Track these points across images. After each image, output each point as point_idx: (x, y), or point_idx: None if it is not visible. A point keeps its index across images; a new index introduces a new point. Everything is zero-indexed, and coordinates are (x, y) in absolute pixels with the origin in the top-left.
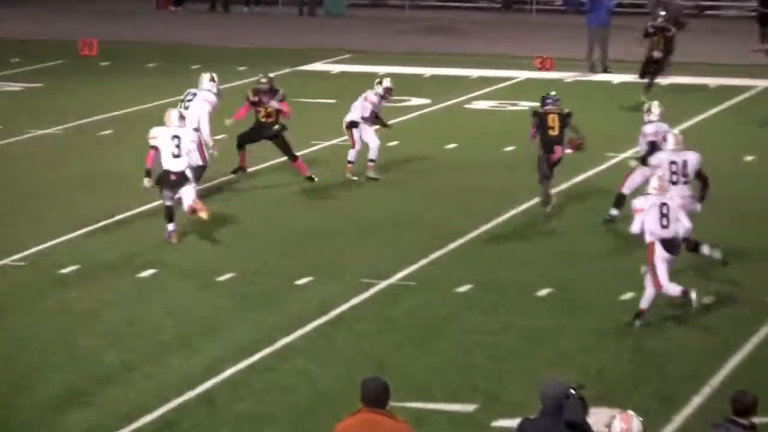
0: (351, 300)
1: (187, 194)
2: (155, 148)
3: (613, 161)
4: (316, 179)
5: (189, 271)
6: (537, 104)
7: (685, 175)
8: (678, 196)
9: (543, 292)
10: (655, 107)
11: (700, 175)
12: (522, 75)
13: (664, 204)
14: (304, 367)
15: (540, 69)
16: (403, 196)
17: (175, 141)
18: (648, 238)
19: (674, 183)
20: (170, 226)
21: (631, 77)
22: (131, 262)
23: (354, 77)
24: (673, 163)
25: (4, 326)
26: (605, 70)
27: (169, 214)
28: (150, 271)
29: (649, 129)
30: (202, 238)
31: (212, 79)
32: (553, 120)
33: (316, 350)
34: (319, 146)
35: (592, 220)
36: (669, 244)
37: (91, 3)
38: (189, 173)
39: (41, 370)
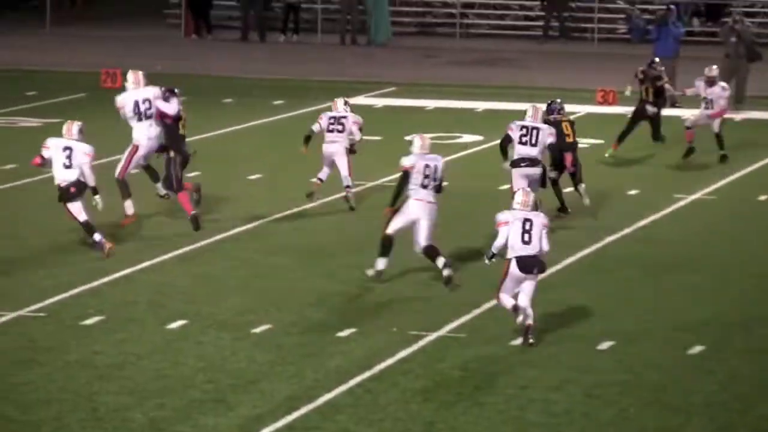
0: (397, 353)
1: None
2: (42, 157)
3: (682, 203)
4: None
5: (222, 322)
6: (599, 141)
7: (435, 180)
8: (426, 197)
9: (604, 345)
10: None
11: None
12: (582, 109)
13: (527, 220)
14: (347, 426)
15: (602, 103)
16: (453, 241)
17: (67, 152)
18: (508, 254)
19: (424, 187)
20: (96, 237)
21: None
22: (159, 313)
23: (400, 112)
24: (427, 166)
25: (23, 382)
26: (674, 105)
27: (88, 227)
28: (180, 322)
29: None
30: (236, 286)
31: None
32: (567, 127)
33: (360, 408)
34: (363, 187)
35: (657, 265)
36: (526, 262)
37: (115, 30)
38: (83, 180)
39: (62, 430)
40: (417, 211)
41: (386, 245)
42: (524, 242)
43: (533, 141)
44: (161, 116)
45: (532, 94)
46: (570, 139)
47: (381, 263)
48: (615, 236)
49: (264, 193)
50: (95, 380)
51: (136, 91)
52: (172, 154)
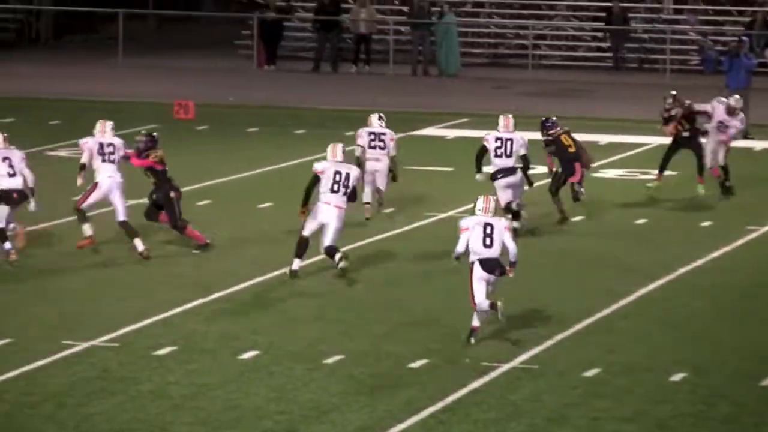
0: (469, 384)
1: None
2: None
3: (754, 235)
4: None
5: (294, 353)
6: (672, 173)
7: (345, 186)
8: (335, 202)
9: (677, 376)
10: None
11: (353, 189)
12: (654, 141)
13: (488, 224)
14: None
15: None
16: (525, 273)
17: (7, 162)
18: (471, 257)
19: (334, 192)
20: (6, 245)
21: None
22: (232, 343)
23: (472, 143)
24: (338, 173)
25: (96, 412)
26: (746, 136)
27: (2, 234)
28: (253, 353)
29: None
30: (307, 317)
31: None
32: (566, 139)
33: None
34: (434, 218)
35: (729, 296)
36: (488, 264)
37: (187, 61)
38: (27, 191)
39: None
40: (326, 214)
41: (301, 246)
42: (486, 246)
43: (508, 152)
44: (144, 165)
45: (604, 125)
46: (572, 150)
47: (296, 264)
48: (688, 267)
49: None
50: (168, 410)
51: (101, 138)
52: (173, 194)
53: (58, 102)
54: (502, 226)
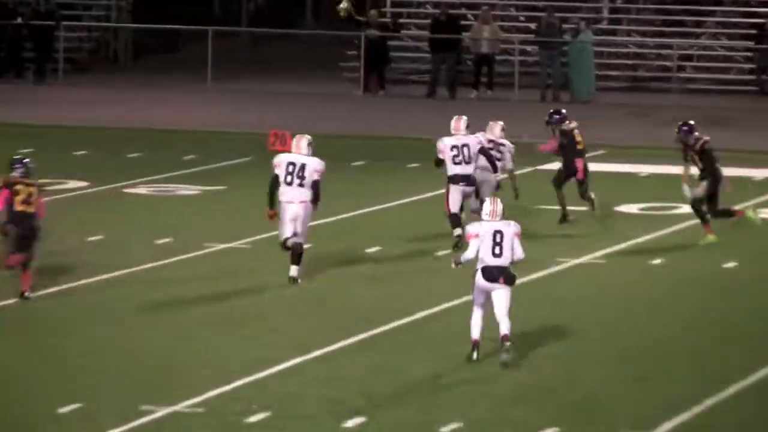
0: None
1: None
2: None
3: None
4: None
5: (405, 421)
6: None
7: (300, 178)
8: (297, 197)
9: None
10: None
11: (315, 184)
12: None
13: (498, 232)
14: None
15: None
16: (669, 322)
17: None
18: (477, 264)
19: (288, 184)
20: None
21: None
22: (333, 409)
23: (608, 178)
24: (291, 164)
25: None
26: None
27: None
28: (358, 419)
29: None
30: (419, 379)
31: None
32: (578, 135)
33: None
34: (566, 265)
35: None
36: (491, 273)
37: (283, 85)
38: None
39: None
40: (290, 211)
41: (287, 250)
42: (495, 255)
43: (467, 158)
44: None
45: (759, 158)
46: (581, 146)
47: (293, 271)
48: None
49: (452, 272)
50: None
51: None
52: (8, 228)
53: (137, 131)
54: (512, 232)
